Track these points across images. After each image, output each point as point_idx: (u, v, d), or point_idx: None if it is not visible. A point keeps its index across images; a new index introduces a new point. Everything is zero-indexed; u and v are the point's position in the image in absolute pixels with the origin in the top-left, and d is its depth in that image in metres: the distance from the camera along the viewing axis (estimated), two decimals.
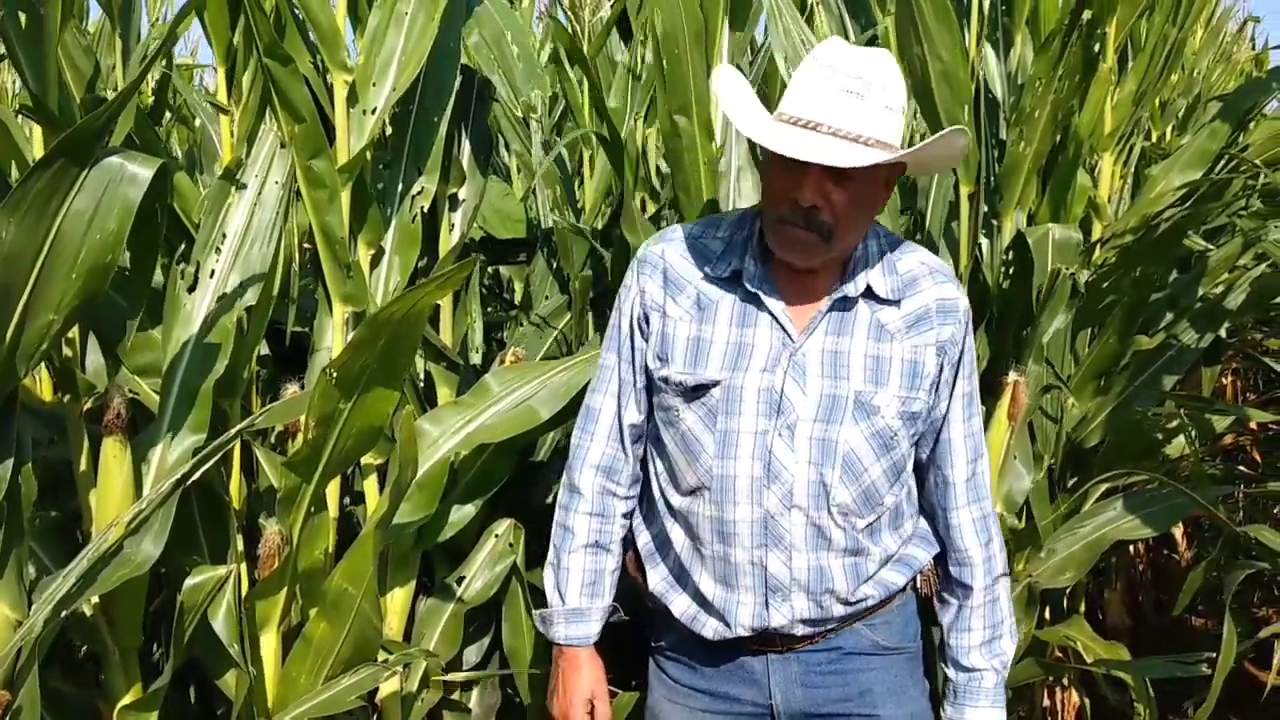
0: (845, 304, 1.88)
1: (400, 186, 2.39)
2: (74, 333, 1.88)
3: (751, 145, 2.50)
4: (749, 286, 1.88)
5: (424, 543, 2.49)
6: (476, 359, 2.78)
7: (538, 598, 2.78)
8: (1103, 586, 4.00)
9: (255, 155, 2.07)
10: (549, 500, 3.15)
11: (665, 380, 1.92)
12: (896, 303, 1.90)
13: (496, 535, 2.63)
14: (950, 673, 2.06)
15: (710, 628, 1.97)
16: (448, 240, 2.60)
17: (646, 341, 1.96)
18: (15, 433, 1.68)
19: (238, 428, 1.85)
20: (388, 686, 2.51)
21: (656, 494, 2.01)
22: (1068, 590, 2.91)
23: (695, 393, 1.89)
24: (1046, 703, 3.45)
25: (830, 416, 1.86)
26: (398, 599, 2.51)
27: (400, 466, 1.83)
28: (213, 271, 2.02)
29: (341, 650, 1.99)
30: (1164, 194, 3.42)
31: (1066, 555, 2.62)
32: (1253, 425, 4.27)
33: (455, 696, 2.75)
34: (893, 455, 1.90)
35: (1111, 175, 3.57)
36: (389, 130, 2.38)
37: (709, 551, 1.93)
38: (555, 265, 3.00)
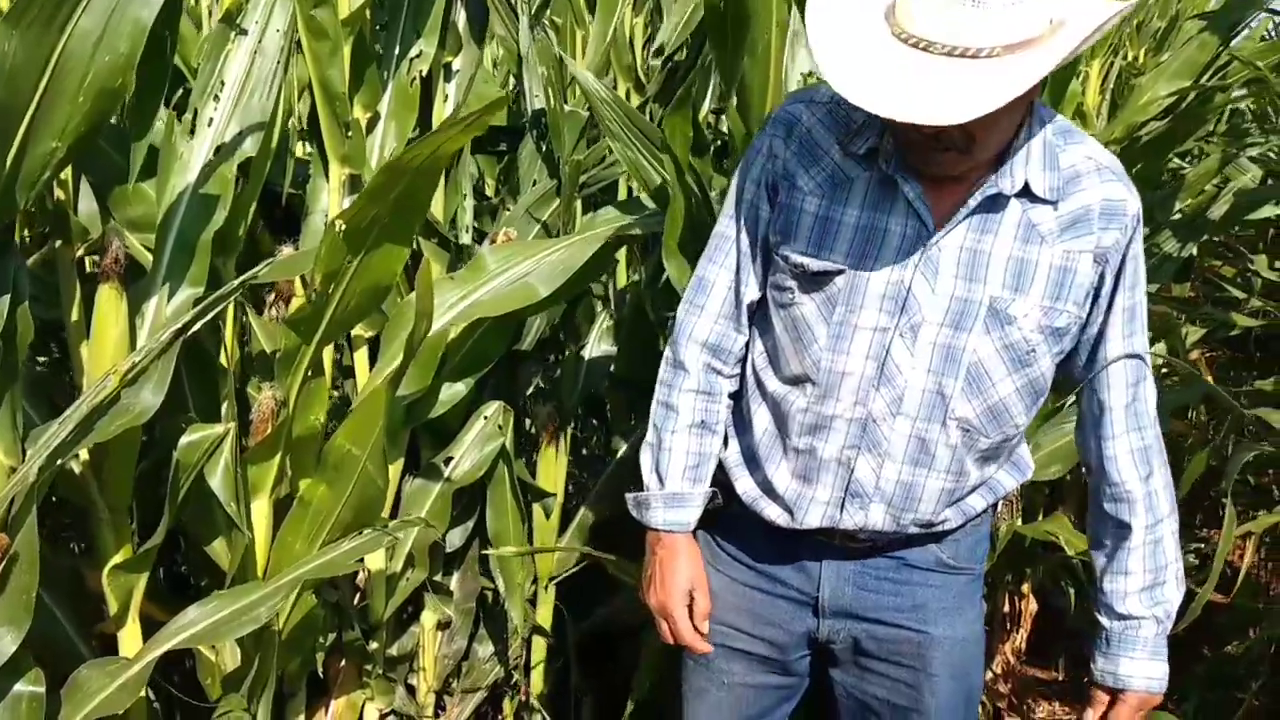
0: (996, 200, 1.67)
1: (398, 49, 2.31)
2: (66, 174, 1.79)
3: None
4: (884, 168, 1.68)
5: (414, 419, 2.44)
6: (466, 239, 2.71)
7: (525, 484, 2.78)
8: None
9: (256, 1, 1.96)
10: (529, 391, 3.13)
11: (785, 259, 1.76)
12: (1055, 202, 1.68)
13: (485, 417, 2.59)
14: (1104, 620, 1.86)
15: (773, 513, 1.87)
16: (442, 110, 2.52)
17: (772, 210, 1.79)
18: (13, 269, 1.60)
19: (243, 277, 1.78)
20: (374, 562, 2.49)
21: (749, 370, 1.89)
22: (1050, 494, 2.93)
23: (816, 279, 1.72)
24: (1007, 608, 3.52)
25: (959, 322, 1.69)
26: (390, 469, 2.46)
27: (417, 318, 1.78)
28: (211, 120, 1.93)
29: (341, 515, 1.95)
30: (1150, 103, 3.42)
31: (1051, 450, 2.63)
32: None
33: (438, 578, 2.74)
34: (1028, 372, 1.73)
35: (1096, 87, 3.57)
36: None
37: (794, 443, 1.81)
38: (545, 149, 2.92)
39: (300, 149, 2.51)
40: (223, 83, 1.93)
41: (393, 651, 2.69)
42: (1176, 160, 3.70)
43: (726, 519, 1.98)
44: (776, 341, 1.81)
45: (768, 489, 1.88)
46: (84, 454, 1.91)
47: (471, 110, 1.62)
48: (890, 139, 1.67)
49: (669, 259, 2.33)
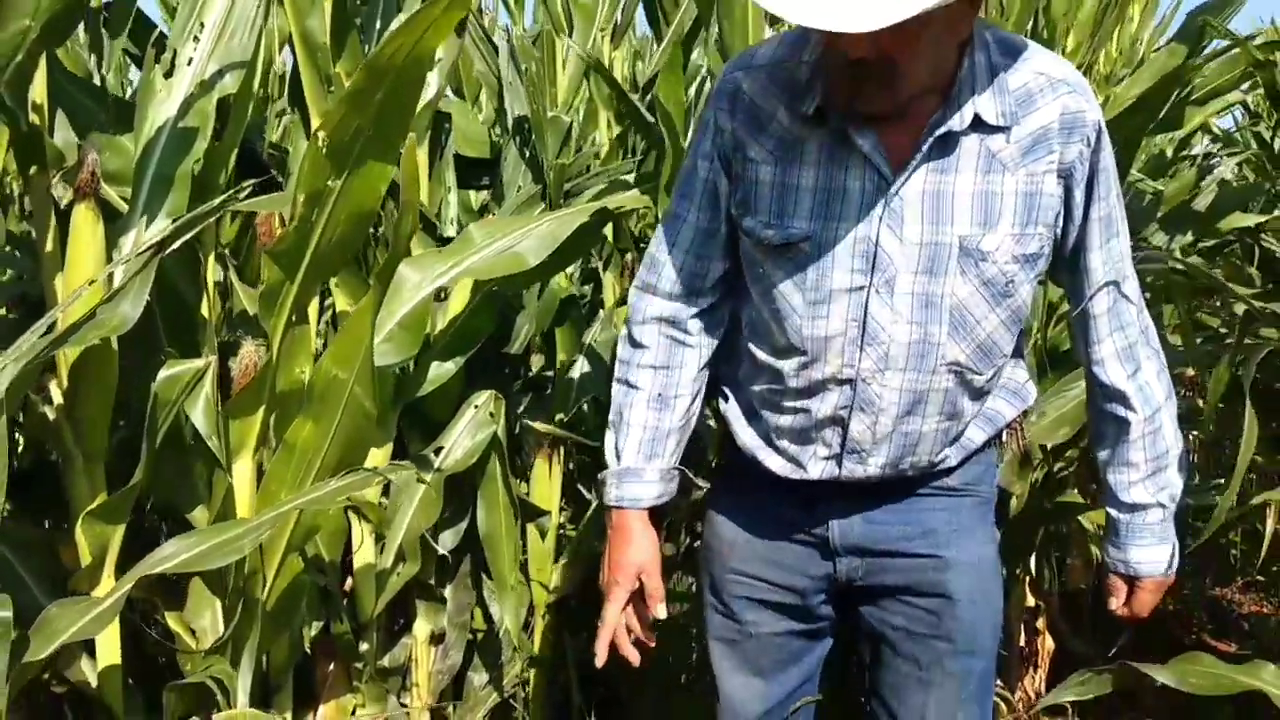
0: (949, 138, 1.63)
1: (379, 23, 2.32)
2: (41, 97, 1.76)
3: None
4: (836, 123, 1.64)
5: (403, 396, 2.37)
6: (451, 231, 2.68)
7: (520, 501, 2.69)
8: None
9: None
10: (520, 410, 3.06)
11: (749, 233, 1.74)
12: (1010, 127, 1.64)
13: (476, 406, 2.51)
14: (1112, 511, 1.90)
15: (775, 464, 1.86)
16: (414, 148, 2.51)
17: (730, 183, 1.76)
18: None
19: (224, 196, 1.73)
20: (362, 556, 2.38)
21: (741, 337, 1.86)
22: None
23: (783, 249, 1.70)
24: (1023, 642, 3.41)
25: (933, 268, 1.66)
26: (375, 461, 2.37)
27: (402, 208, 1.72)
28: (190, 59, 1.91)
29: (328, 455, 1.85)
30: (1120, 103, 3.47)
31: (1058, 415, 2.58)
32: None
33: (430, 581, 2.62)
34: (1009, 303, 1.72)
35: None
36: None
37: (789, 404, 1.80)
38: (529, 154, 2.93)
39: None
40: (201, 24, 1.92)
41: (384, 663, 2.55)
42: (1150, 183, 3.73)
43: (732, 469, 1.97)
44: (759, 315, 1.80)
45: (768, 441, 1.87)
46: (58, 398, 1.83)
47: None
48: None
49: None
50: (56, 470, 1.92)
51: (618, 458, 1.88)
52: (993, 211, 1.65)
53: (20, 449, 2.35)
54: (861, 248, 1.66)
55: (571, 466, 3.15)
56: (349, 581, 2.49)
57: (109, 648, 1.85)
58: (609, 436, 1.90)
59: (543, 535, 2.86)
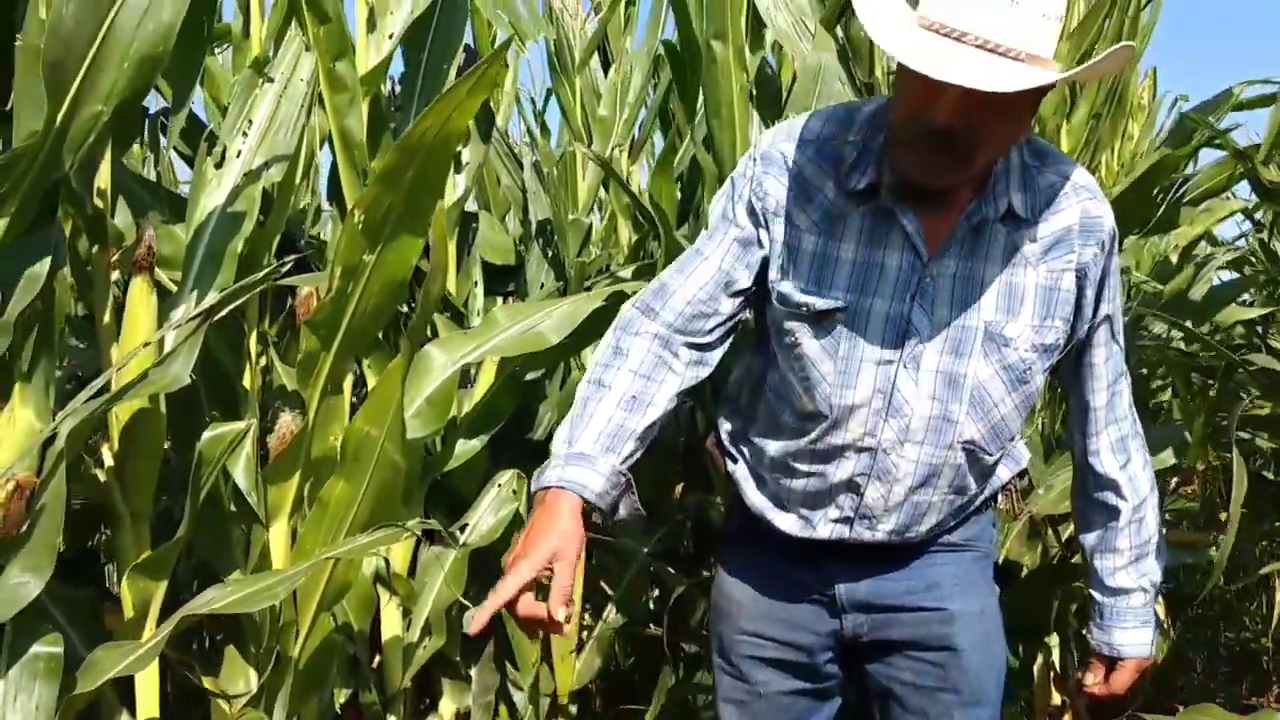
0: (982, 225, 1.72)
1: (411, 124, 2.50)
2: (106, 184, 1.93)
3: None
4: (885, 202, 1.71)
5: (431, 471, 2.48)
6: (476, 322, 2.83)
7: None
8: None
9: (283, 54, 2.17)
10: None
11: (783, 299, 1.76)
12: (1035, 223, 1.73)
13: (500, 484, 2.62)
14: (1097, 596, 1.97)
15: (784, 523, 1.89)
16: (452, 194, 2.70)
17: (761, 245, 1.77)
18: (54, 237, 1.71)
19: (265, 272, 1.89)
20: (390, 629, 2.46)
21: (762, 403, 1.88)
22: None
23: (819, 317, 1.74)
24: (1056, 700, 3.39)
25: (959, 349, 1.74)
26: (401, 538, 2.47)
27: (431, 270, 1.87)
28: (239, 152, 2.09)
29: (359, 511, 1.96)
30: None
31: (1063, 489, 2.65)
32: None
33: (456, 659, 2.68)
34: (1025, 389, 1.79)
35: None
36: (403, 70, 2.52)
37: (805, 467, 1.83)
38: (551, 253, 3.10)
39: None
40: (250, 121, 2.11)
41: None
42: (1155, 284, 3.86)
43: (741, 531, 2.00)
44: (785, 380, 1.84)
45: (778, 504, 1.91)
46: (109, 460, 1.96)
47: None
48: (889, 169, 1.71)
49: None
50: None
51: (569, 443, 1.69)
52: (1015, 301, 1.74)
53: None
54: (894, 323, 1.72)
55: (593, 561, 3.22)
56: (376, 659, 2.57)
57: (148, 701, 1.94)
58: (562, 428, 1.72)
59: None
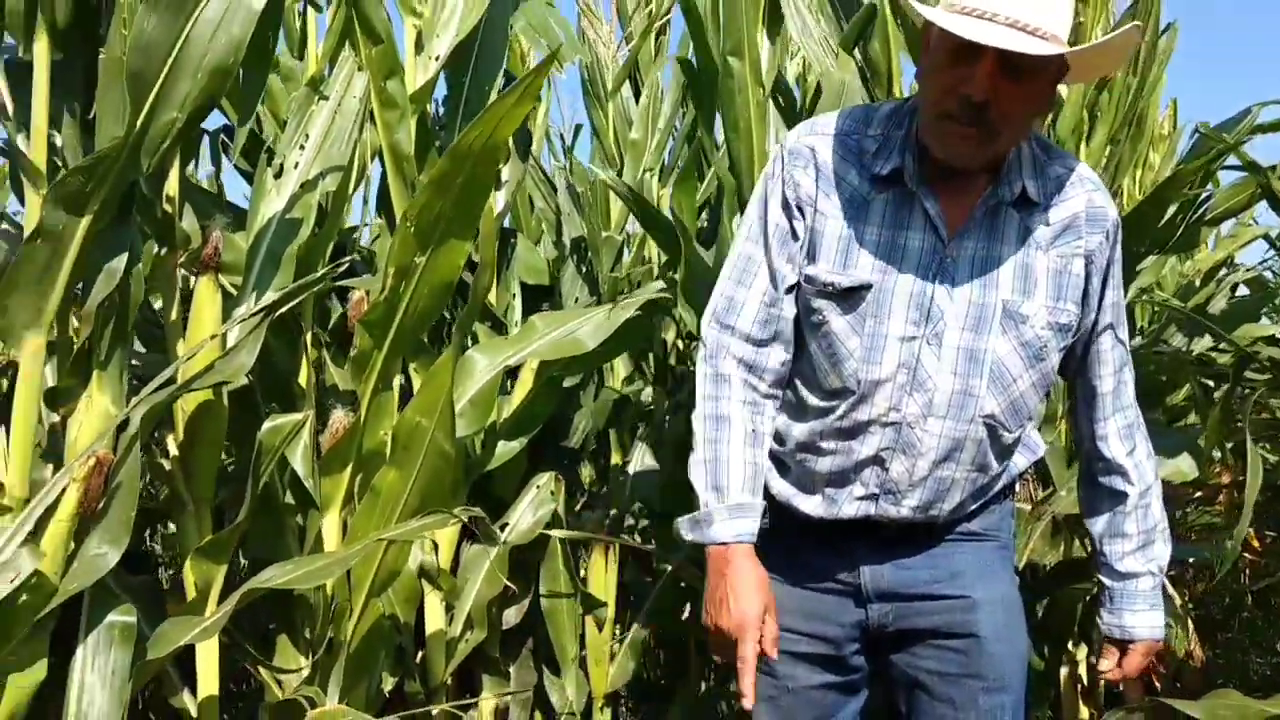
0: (997, 209, 1.84)
1: (461, 134, 2.63)
2: (174, 191, 2.07)
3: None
4: (909, 185, 1.82)
5: (472, 471, 2.58)
6: (515, 333, 2.94)
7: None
8: None
9: (337, 73, 2.32)
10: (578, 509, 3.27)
11: (811, 280, 1.86)
12: (1046, 209, 1.85)
13: (538, 486, 2.72)
14: (1106, 580, 2.03)
15: (809, 506, 1.96)
16: (491, 212, 2.82)
17: (800, 231, 1.87)
18: (131, 234, 1.84)
19: (321, 273, 2.01)
20: (433, 623, 2.56)
21: (785, 391, 1.95)
22: None
23: (845, 295, 1.83)
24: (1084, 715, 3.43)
25: (978, 326, 1.83)
26: (446, 532, 2.58)
27: (480, 265, 1.98)
28: (296, 164, 2.22)
29: (410, 498, 2.06)
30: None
31: None
32: None
33: (496, 655, 2.77)
34: (1041, 367, 1.88)
35: None
36: (447, 92, 2.66)
37: (830, 446, 1.90)
38: (585, 269, 3.22)
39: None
40: (307, 135, 2.25)
41: None
42: (1178, 303, 3.93)
43: (765, 526, 2.01)
44: (812, 360, 1.93)
45: (802, 487, 1.98)
46: (174, 449, 2.08)
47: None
48: (911, 156, 1.84)
49: (683, 308, 2.60)
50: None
51: (720, 493, 1.85)
52: (1030, 282, 1.84)
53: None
54: (917, 301, 1.81)
55: (626, 570, 3.31)
56: (420, 654, 2.66)
57: (208, 680, 2.04)
58: (700, 473, 1.87)
59: (600, 627, 3.01)
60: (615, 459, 3.23)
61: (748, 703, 1.81)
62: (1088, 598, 2.88)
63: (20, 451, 1.71)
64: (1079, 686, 3.30)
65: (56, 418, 1.90)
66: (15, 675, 1.65)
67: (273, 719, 1.95)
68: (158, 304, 2.92)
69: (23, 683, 1.65)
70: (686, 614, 3.39)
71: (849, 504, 1.94)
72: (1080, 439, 2.06)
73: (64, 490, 1.68)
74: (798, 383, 1.96)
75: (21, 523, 1.63)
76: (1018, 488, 2.13)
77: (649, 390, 3.47)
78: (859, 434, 1.89)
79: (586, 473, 3.41)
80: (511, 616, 2.80)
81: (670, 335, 3.57)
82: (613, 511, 3.13)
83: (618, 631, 3.21)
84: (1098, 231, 1.88)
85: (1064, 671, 3.20)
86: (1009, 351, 1.85)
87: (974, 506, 1.99)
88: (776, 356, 1.94)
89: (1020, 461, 2.04)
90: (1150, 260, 3.94)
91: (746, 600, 1.82)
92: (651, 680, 3.51)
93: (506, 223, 3.00)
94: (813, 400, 1.93)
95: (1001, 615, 2.00)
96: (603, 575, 3.03)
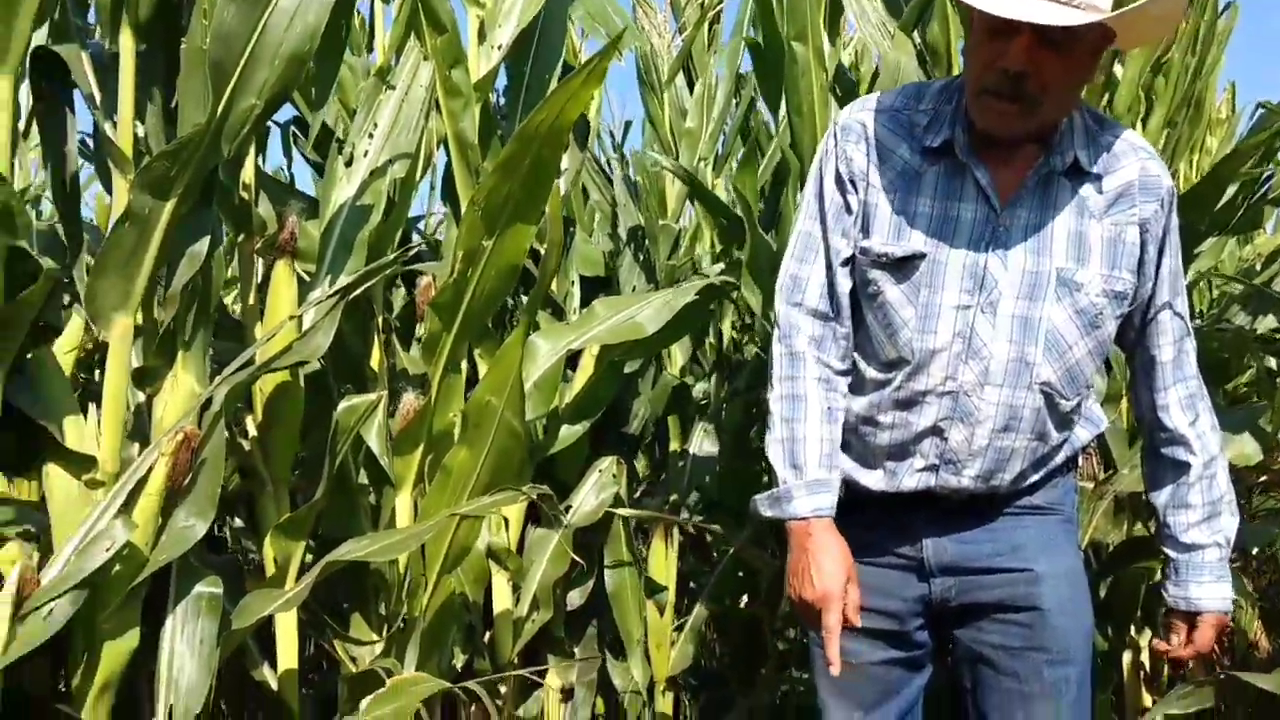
0: (1050, 178, 1.86)
1: (529, 117, 2.68)
2: (249, 178, 2.13)
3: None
4: (959, 156, 1.85)
5: (536, 454, 2.62)
6: (574, 320, 2.98)
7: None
8: None
9: (403, 64, 2.37)
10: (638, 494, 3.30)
11: (866, 252, 1.89)
12: (1099, 178, 1.86)
13: (600, 470, 2.76)
14: (1170, 553, 2.00)
15: (870, 480, 1.98)
16: (558, 193, 2.86)
17: (852, 207, 1.91)
18: (212, 216, 1.90)
19: (393, 256, 2.06)
20: (500, 603, 2.60)
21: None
22: None
23: (900, 265, 1.86)
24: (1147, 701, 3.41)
25: (1033, 294, 1.84)
26: (513, 512, 2.63)
27: (548, 245, 2.02)
28: (366, 152, 2.28)
29: (480, 476, 2.11)
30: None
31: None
32: None
33: (561, 637, 2.82)
34: (1097, 334, 1.88)
35: None
36: (508, 81, 2.71)
37: (888, 419, 1.93)
38: (642, 258, 3.25)
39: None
40: (375, 124, 2.31)
41: (520, 714, 2.74)
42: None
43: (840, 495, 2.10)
44: (868, 332, 1.96)
45: (863, 461, 2.00)
46: (253, 430, 2.14)
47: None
48: (962, 129, 1.87)
49: (748, 290, 2.63)
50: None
51: (798, 470, 1.90)
52: (1085, 250, 1.86)
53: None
54: (971, 269, 1.84)
55: (687, 553, 3.34)
56: (488, 635, 2.71)
57: (288, 654, 2.10)
58: (780, 450, 1.92)
59: (661, 611, 3.04)
60: (674, 445, 3.26)
61: (834, 669, 1.85)
62: (1151, 580, 2.87)
63: (112, 428, 1.77)
64: (1142, 674, 3.28)
65: (142, 398, 1.96)
66: (110, 642, 1.71)
67: (351, 690, 1.99)
68: (226, 298, 3.02)
69: (118, 649, 1.71)
70: (745, 602, 3.43)
71: (910, 476, 1.96)
72: (1141, 412, 2.05)
73: (153, 465, 1.74)
74: (856, 357, 1.98)
75: (114, 496, 1.69)
76: (1080, 462, 2.12)
77: (701, 385, 3.51)
78: (916, 405, 1.90)
79: (642, 465, 3.45)
80: (576, 599, 2.84)
81: (726, 325, 3.60)
82: (672, 497, 3.16)
83: (676, 620, 3.24)
84: (1152, 199, 1.88)
85: (1127, 658, 3.18)
86: (1064, 319, 1.86)
87: (1035, 477, 2.00)
88: (842, 331, 1.97)
89: (1082, 434, 2.04)
90: (1210, 242, 3.91)
91: (829, 571, 1.87)
92: (710, 667, 3.54)
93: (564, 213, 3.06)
94: (871, 373, 1.95)
95: (1065, 589, 2.00)
96: (663, 560, 3.07)
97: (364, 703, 1.80)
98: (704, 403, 3.43)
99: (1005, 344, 1.85)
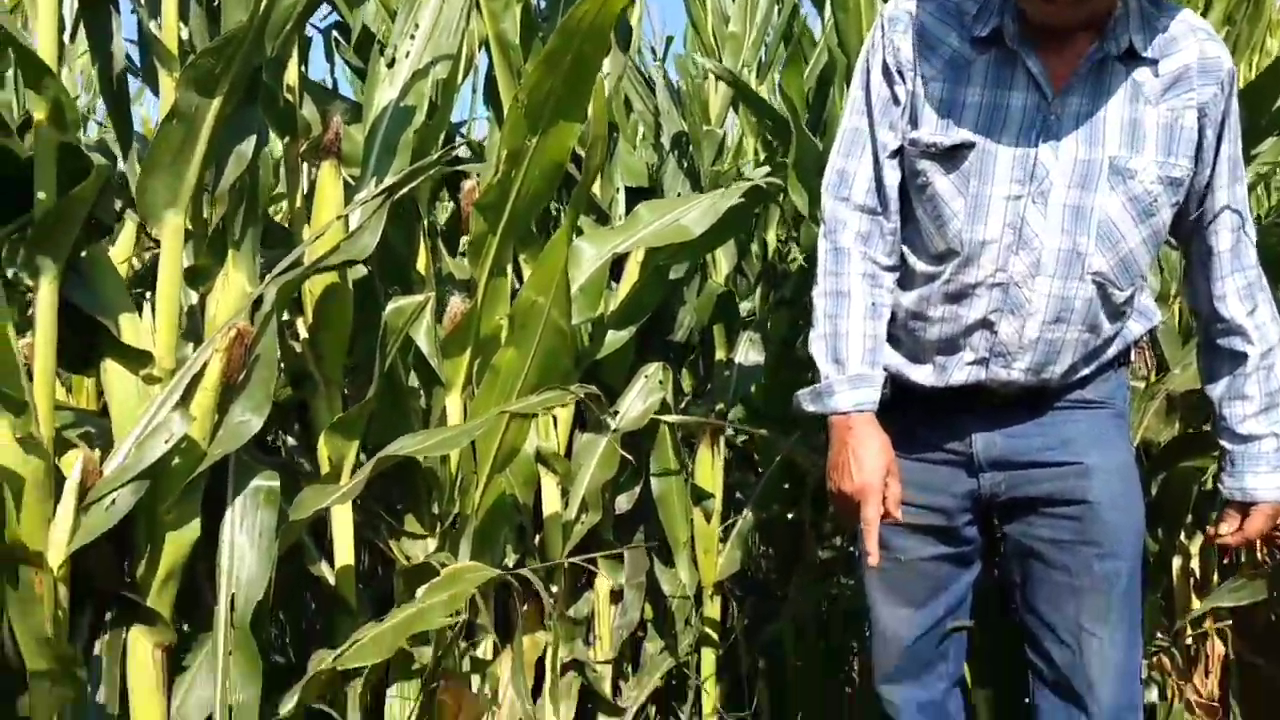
0: (1104, 64, 1.83)
1: (571, 9, 2.64)
2: (293, 80, 2.13)
3: None
4: (1010, 44, 1.84)
5: (583, 360, 2.64)
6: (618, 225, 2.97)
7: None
8: None
9: None
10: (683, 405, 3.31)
11: (914, 142, 1.89)
12: (1155, 62, 1.83)
13: (646, 376, 2.77)
14: (1226, 444, 2.01)
15: (920, 375, 1.98)
16: (602, 89, 2.83)
17: (900, 97, 1.90)
18: (257, 116, 1.90)
19: (437, 155, 2.06)
20: (549, 506, 2.63)
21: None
22: None
23: (949, 155, 1.86)
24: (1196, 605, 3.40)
25: (1085, 183, 1.82)
26: (561, 416, 2.65)
27: (591, 142, 2.02)
28: (407, 53, 2.26)
29: (528, 375, 2.12)
30: None
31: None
32: None
33: (609, 537, 2.85)
34: (1152, 223, 1.86)
35: None
36: None
37: (938, 313, 1.93)
38: (686, 164, 3.23)
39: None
40: (416, 25, 2.28)
41: (570, 614, 2.78)
42: None
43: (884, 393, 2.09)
44: (917, 225, 1.95)
45: (913, 357, 2.00)
46: (303, 332, 2.16)
47: None
48: (1011, 17, 1.84)
49: (794, 192, 2.61)
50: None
51: (840, 365, 1.91)
52: (1139, 137, 1.84)
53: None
54: (1021, 159, 1.82)
55: (731, 459, 3.35)
56: (537, 538, 2.74)
57: (344, 549, 2.14)
58: (821, 347, 1.94)
59: (708, 518, 3.07)
60: (720, 355, 3.26)
61: (872, 560, 1.87)
62: (1203, 481, 2.86)
63: (166, 325, 1.79)
64: (1192, 580, 3.27)
65: (195, 299, 1.99)
66: (172, 534, 1.75)
67: (407, 582, 2.03)
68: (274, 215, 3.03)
69: (179, 540, 1.75)
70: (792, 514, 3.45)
71: (959, 370, 1.95)
72: (1198, 303, 2.03)
73: (208, 361, 1.76)
74: (905, 250, 1.98)
75: (171, 390, 1.72)
76: (1133, 357, 2.10)
77: (745, 303, 3.50)
78: (966, 297, 1.90)
79: (687, 380, 3.45)
80: (624, 503, 2.87)
81: (771, 234, 3.57)
82: (718, 406, 3.16)
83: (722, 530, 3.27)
84: (1211, 83, 1.84)
85: (1176, 563, 3.17)
86: (1118, 209, 1.84)
87: (1086, 371, 1.98)
88: (889, 225, 1.95)
89: (1135, 327, 2.02)
90: (1270, 142, 3.81)
91: (869, 464, 1.88)
92: (756, 577, 3.57)
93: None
94: (920, 266, 1.95)
95: (1117, 483, 2.01)
96: (709, 468, 3.08)
97: (419, 591, 1.84)
98: (750, 318, 3.43)
99: (1057, 234, 1.83)
